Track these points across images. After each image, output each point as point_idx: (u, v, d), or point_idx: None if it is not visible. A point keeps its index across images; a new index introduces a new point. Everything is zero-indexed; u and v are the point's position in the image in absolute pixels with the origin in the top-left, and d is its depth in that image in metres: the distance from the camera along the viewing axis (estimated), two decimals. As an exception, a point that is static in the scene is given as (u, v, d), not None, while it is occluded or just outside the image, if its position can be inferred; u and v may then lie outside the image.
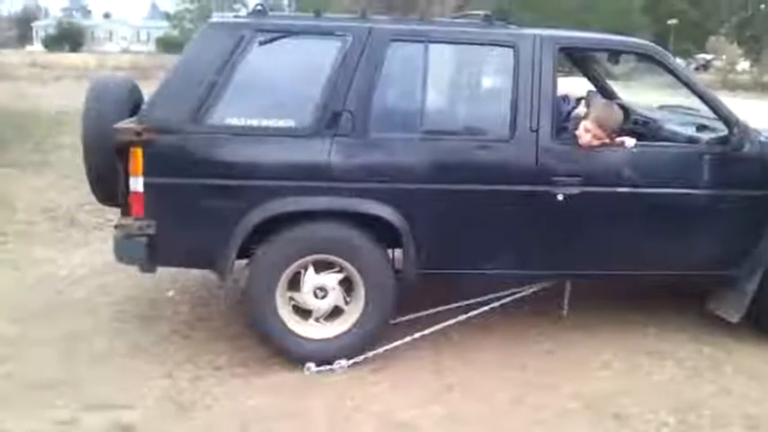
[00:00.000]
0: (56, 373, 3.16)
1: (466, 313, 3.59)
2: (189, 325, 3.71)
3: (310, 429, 2.84)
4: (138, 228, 3.08)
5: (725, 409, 3.06)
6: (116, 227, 3.21)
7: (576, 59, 4.39)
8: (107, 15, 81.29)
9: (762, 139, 3.49)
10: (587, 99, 3.86)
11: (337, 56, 3.14)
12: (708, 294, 3.72)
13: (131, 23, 77.88)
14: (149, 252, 3.11)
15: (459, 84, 3.76)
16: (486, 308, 3.61)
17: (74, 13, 77.50)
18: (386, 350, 3.34)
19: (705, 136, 3.55)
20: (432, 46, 3.21)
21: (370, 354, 3.30)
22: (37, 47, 56.99)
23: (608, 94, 4.27)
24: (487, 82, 3.64)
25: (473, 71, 3.69)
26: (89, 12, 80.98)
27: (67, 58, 32.02)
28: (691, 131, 3.71)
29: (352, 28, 3.20)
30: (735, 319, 3.57)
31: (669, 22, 37.11)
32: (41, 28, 67.02)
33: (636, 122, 3.90)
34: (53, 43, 54.70)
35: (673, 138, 3.71)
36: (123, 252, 3.16)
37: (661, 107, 4.44)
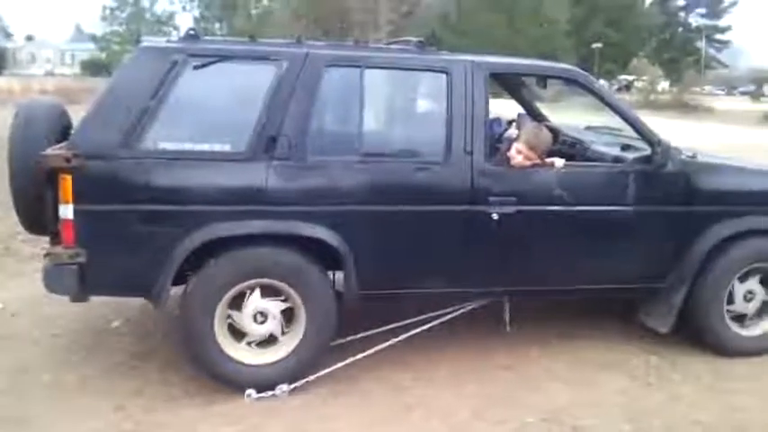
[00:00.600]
0: (2, 409, 3.03)
1: (407, 332, 3.59)
2: (137, 355, 3.60)
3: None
4: (69, 256, 2.98)
5: (676, 418, 3.16)
6: (45, 255, 3.10)
7: (507, 84, 4.53)
8: (30, 38, 78.54)
9: (683, 157, 3.67)
10: (518, 122, 3.99)
11: (273, 80, 3.14)
12: (639, 306, 3.84)
13: (55, 46, 75.63)
14: (80, 281, 3.01)
15: (395, 108, 3.82)
16: (430, 324, 3.62)
17: (-6, 34, 74.61)
18: (342, 373, 3.32)
19: (630, 155, 3.71)
20: (367, 71, 3.25)
21: (312, 377, 3.26)
22: (-45, 69, 54.58)
23: (537, 117, 4.41)
24: (422, 106, 3.71)
25: (408, 96, 3.76)
26: (10, 34, 78.06)
27: (-12, 81, 30.79)
28: (616, 151, 3.87)
29: (288, 53, 3.22)
30: (664, 330, 3.70)
31: (594, 45, 38.67)
32: (-41, 50, 64.25)
33: (564, 143, 4.04)
34: (-28, 66, 52.58)
35: (599, 158, 3.86)
36: (53, 282, 3.05)
37: (587, 128, 4.61)
